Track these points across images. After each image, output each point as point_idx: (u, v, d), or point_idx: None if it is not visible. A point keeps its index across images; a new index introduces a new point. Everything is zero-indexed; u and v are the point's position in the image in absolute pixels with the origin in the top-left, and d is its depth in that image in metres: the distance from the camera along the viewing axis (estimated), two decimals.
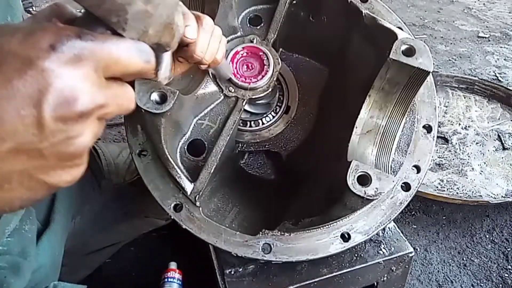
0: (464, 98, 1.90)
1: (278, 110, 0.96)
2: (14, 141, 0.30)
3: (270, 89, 0.82)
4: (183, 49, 0.55)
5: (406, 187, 0.76)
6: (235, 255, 0.72)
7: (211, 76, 0.81)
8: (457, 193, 1.49)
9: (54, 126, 0.31)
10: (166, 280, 1.09)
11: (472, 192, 1.49)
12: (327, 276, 0.79)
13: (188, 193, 0.73)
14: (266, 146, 0.95)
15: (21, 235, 0.72)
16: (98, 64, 0.33)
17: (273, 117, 0.96)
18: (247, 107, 0.91)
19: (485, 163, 1.61)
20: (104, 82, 0.34)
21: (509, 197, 1.46)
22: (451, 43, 2.55)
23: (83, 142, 0.34)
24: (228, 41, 0.83)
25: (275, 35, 0.83)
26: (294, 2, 0.85)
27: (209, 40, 0.58)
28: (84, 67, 0.32)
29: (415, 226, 1.49)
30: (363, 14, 0.76)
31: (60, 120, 0.31)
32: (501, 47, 2.52)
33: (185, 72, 0.66)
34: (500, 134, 1.72)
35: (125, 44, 0.36)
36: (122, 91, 0.36)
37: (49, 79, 0.30)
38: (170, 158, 0.73)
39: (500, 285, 1.31)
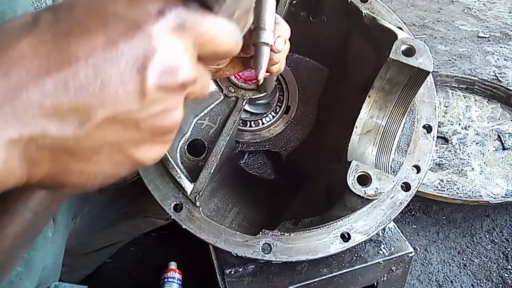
0: (464, 98, 1.90)
1: (278, 110, 0.96)
2: (113, 109, 0.28)
3: None
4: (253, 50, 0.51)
5: (406, 187, 0.76)
6: (235, 255, 0.72)
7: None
8: (457, 193, 1.49)
9: (155, 95, 0.30)
10: (166, 280, 1.09)
11: (472, 192, 1.49)
12: (327, 276, 0.79)
13: (188, 193, 0.73)
14: (266, 146, 0.95)
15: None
16: (196, 38, 0.32)
17: (273, 117, 0.96)
18: (247, 107, 0.91)
19: (485, 163, 1.61)
20: (196, 58, 0.33)
21: (509, 197, 1.46)
22: (451, 43, 2.55)
23: (177, 117, 0.32)
24: None
25: None
26: (294, 2, 0.85)
27: (284, 47, 0.55)
28: (186, 38, 0.31)
29: (415, 226, 1.49)
30: (363, 14, 0.76)
31: (162, 90, 0.30)
32: (501, 47, 2.52)
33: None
34: (500, 134, 1.72)
35: (221, 22, 0.34)
36: (205, 73, 0.34)
37: (156, 45, 0.29)
38: (170, 158, 0.73)
39: (500, 285, 1.31)
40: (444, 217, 1.52)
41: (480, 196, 1.47)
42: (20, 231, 0.35)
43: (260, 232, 0.73)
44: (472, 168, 1.59)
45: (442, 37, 2.62)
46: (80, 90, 0.27)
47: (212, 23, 0.33)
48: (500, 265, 1.36)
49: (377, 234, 0.78)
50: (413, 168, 0.77)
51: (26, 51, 0.27)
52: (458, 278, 1.33)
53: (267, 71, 0.54)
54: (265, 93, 0.82)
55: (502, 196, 1.47)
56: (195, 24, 0.31)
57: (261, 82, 0.52)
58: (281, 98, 0.97)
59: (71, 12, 0.29)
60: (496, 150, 1.66)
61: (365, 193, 0.61)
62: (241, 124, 0.94)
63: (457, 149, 1.67)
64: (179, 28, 0.30)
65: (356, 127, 0.73)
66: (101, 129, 0.29)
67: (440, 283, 1.32)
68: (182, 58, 0.31)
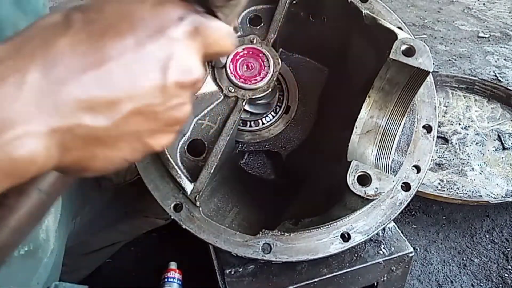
0: (464, 98, 1.90)
1: (278, 110, 0.96)
2: (139, 102, 0.32)
3: (270, 89, 0.82)
4: None
5: (406, 187, 0.76)
6: (235, 255, 0.72)
7: (211, 76, 0.81)
8: (457, 193, 1.49)
9: (173, 92, 0.34)
10: (166, 280, 1.09)
11: (472, 192, 1.49)
12: (327, 276, 0.79)
13: (188, 193, 0.73)
14: (266, 146, 0.95)
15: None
16: (206, 40, 0.36)
17: (273, 117, 0.96)
18: (247, 107, 0.91)
19: (485, 163, 1.61)
20: (202, 58, 0.37)
21: (509, 197, 1.46)
22: (451, 43, 2.55)
23: (188, 110, 0.37)
24: None
25: (275, 35, 0.83)
26: (294, 2, 0.85)
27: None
28: (198, 41, 0.35)
29: (415, 226, 1.49)
30: (363, 14, 0.76)
31: (179, 86, 0.34)
32: (501, 47, 2.52)
33: None
34: (500, 134, 1.72)
35: (223, 26, 0.38)
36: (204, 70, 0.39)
37: (176, 47, 0.33)
38: (170, 158, 0.73)
39: (500, 285, 1.31)
40: (444, 217, 1.52)
41: (480, 196, 1.47)
42: (33, 211, 0.37)
43: (260, 232, 0.73)
44: (472, 168, 1.59)
45: (442, 37, 2.62)
46: (112, 86, 0.31)
47: (217, 27, 0.37)
48: (500, 265, 1.36)
49: (377, 234, 0.78)
50: (413, 168, 0.77)
51: (65, 50, 0.30)
52: (458, 278, 1.33)
53: None
54: (266, 93, 0.82)
55: (502, 196, 1.47)
56: (206, 28, 0.36)
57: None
58: (281, 98, 0.97)
59: (102, 14, 0.32)
60: (496, 150, 1.66)
61: (365, 193, 0.61)
62: (241, 124, 0.94)
63: (457, 149, 1.67)
64: (195, 31, 0.35)
65: (356, 127, 0.73)
66: (127, 120, 0.32)
67: (440, 283, 1.32)
68: (195, 59, 0.35)
